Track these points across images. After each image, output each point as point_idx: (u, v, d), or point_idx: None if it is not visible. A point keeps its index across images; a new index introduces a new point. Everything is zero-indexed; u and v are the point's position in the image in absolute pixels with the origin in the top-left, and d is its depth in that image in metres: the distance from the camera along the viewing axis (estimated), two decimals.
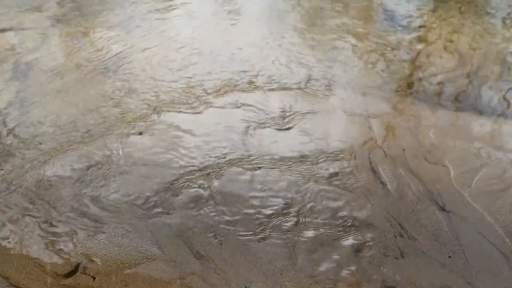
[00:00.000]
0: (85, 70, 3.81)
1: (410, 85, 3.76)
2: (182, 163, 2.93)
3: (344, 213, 2.64)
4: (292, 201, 2.70)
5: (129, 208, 2.63)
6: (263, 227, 2.55)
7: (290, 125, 3.27)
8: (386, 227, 2.56)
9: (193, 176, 2.84)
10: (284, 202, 2.69)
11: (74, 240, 2.45)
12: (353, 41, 4.30)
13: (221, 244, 2.45)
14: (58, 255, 2.38)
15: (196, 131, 3.20)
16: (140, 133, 3.16)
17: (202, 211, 2.63)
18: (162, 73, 3.80)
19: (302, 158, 2.99)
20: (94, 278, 2.28)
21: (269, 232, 2.53)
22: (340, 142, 3.13)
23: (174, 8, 4.86)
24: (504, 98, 3.62)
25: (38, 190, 2.73)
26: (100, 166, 2.90)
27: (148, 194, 2.72)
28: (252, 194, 2.74)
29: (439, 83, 3.79)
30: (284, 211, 2.64)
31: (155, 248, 2.42)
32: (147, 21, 4.58)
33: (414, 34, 4.45)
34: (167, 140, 3.11)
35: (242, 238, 2.49)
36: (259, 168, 2.92)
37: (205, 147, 3.06)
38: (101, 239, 2.46)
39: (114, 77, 3.74)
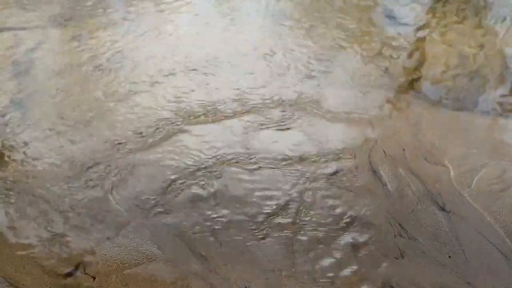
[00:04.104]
0: (85, 70, 3.81)
1: (410, 85, 3.76)
2: (182, 163, 2.93)
3: (344, 212, 2.64)
4: (292, 200, 2.70)
5: (129, 208, 2.63)
6: (263, 227, 2.55)
7: (290, 125, 3.27)
8: (386, 227, 2.56)
9: (193, 176, 2.84)
10: (281, 203, 2.69)
11: (74, 240, 2.45)
12: (353, 40, 4.29)
13: (221, 244, 2.46)
14: (58, 255, 2.38)
15: (196, 130, 3.20)
16: (141, 133, 3.16)
17: (202, 211, 2.63)
18: (161, 71, 3.79)
19: (302, 158, 2.99)
20: (94, 278, 2.28)
21: (269, 231, 2.53)
22: (340, 142, 3.13)
23: (175, 8, 4.85)
24: (504, 98, 3.62)
25: (38, 190, 2.73)
26: (99, 166, 2.90)
27: (148, 194, 2.72)
28: (251, 193, 2.74)
29: (439, 83, 3.78)
30: (284, 211, 2.64)
31: (155, 248, 2.42)
32: (147, 20, 4.57)
33: (414, 34, 4.45)
34: (167, 140, 3.11)
35: (242, 237, 2.49)
36: (259, 167, 2.92)
37: (205, 147, 3.06)
38: (101, 239, 2.46)
39: (114, 76, 3.73)
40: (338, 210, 2.65)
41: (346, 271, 2.34)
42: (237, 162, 2.95)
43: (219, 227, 2.55)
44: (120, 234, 2.49)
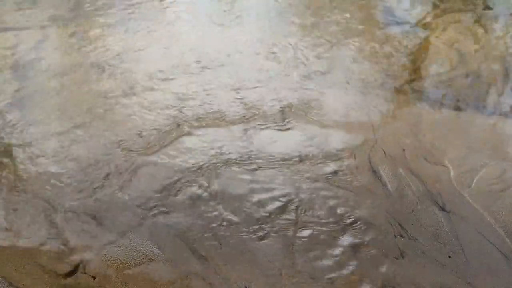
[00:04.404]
0: (85, 70, 3.81)
1: (410, 85, 3.76)
2: (182, 163, 2.93)
3: (344, 212, 2.64)
4: (292, 200, 2.70)
5: (129, 208, 2.64)
6: (262, 227, 2.55)
7: (289, 125, 3.27)
8: (386, 227, 2.56)
9: (193, 176, 2.84)
10: (284, 201, 2.69)
11: (74, 240, 2.45)
12: (353, 40, 4.29)
13: (221, 244, 2.46)
14: (58, 255, 2.38)
15: (196, 131, 3.20)
16: (141, 134, 3.16)
17: (202, 211, 2.63)
18: (161, 73, 3.80)
19: (302, 158, 2.99)
20: (94, 278, 2.28)
21: (269, 231, 2.53)
22: (340, 142, 3.13)
23: (175, 8, 4.85)
24: (504, 98, 3.62)
25: (38, 190, 2.73)
26: (99, 166, 2.90)
27: (148, 194, 2.72)
28: (251, 193, 2.74)
29: (439, 83, 3.79)
30: (284, 211, 2.64)
31: (155, 248, 2.43)
32: (147, 20, 4.58)
33: (415, 33, 4.45)
34: (167, 140, 3.11)
35: (242, 237, 2.49)
36: (259, 167, 2.92)
37: (205, 147, 3.06)
38: (101, 239, 2.46)
39: (114, 76, 3.74)
40: (338, 210, 2.65)
41: (346, 271, 2.34)
42: (237, 162, 2.95)
43: (219, 227, 2.55)
44: (120, 234, 2.49)
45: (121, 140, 3.10)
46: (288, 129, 3.24)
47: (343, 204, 2.69)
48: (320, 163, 2.96)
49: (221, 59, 3.99)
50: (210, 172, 2.87)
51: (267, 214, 2.62)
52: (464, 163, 2.97)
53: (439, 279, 2.31)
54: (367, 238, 2.50)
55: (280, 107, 3.44)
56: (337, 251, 2.43)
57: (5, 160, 2.94)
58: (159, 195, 2.72)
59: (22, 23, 4.44)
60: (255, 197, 2.72)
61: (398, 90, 3.69)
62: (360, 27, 4.54)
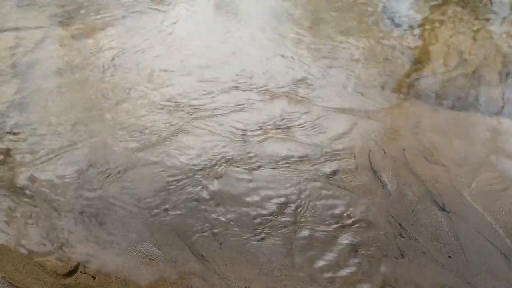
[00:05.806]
0: (85, 70, 3.81)
1: (410, 85, 3.76)
2: (182, 163, 2.93)
3: (344, 212, 2.64)
4: (292, 200, 2.70)
5: (129, 208, 2.64)
6: (262, 227, 2.55)
7: (290, 125, 3.27)
8: (386, 227, 2.56)
9: (193, 176, 2.84)
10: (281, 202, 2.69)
11: (74, 240, 2.45)
12: (352, 40, 4.29)
13: (221, 244, 2.46)
14: (58, 254, 2.38)
15: (196, 131, 3.20)
16: (141, 133, 3.16)
17: (202, 211, 2.63)
18: (161, 73, 3.80)
19: (302, 158, 2.99)
20: (94, 278, 2.28)
21: (269, 231, 2.53)
22: (340, 142, 3.13)
23: (176, 8, 4.85)
24: (504, 97, 3.62)
25: (38, 190, 2.73)
26: (99, 166, 2.90)
27: (148, 194, 2.73)
28: (251, 193, 2.74)
29: (439, 83, 3.79)
30: (284, 211, 2.64)
31: (155, 248, 2.43)
32: (148, 20, 4.58)
33: (414, 34, 4.45)
34: (167, 140, 3.11)
35: (241, 237, 2.49)
36: (259, 167, 2.92)
37: (205, 147, 3.06)
38: (101, 239, 2.46)
39: (114, 76, 3.74)
40: (338, 210, 2.65)
41: (346, 271, 2.34)
42: (237, 162, 2.95)
43: (219, 227, 2.55)
44: (120, 234, 2.49)
45: (121, 140, 3.10)
46: (288, 128, 3.24)
47: (343, 204, 2.69)
48: (320, 163, 2.96)
49: (221, 58, 3.99)
50: (210, 171, 2.87)
51: (267, 214, 2.62)
52: (464, 163, 2.97)
53: (439, 279, 2.31)
54: (367, 238, 2.50)
55: (280, 106, 3.43)
56: (337, 251, 2.43)
57: (5, 160, 2.94)
58: (159, 194, 2.72)
59: (22, 23, 4.44)
60: (255, 197, 2.72)
61: (398, 90, 3.69)
62: (359, 26, 4.54)
